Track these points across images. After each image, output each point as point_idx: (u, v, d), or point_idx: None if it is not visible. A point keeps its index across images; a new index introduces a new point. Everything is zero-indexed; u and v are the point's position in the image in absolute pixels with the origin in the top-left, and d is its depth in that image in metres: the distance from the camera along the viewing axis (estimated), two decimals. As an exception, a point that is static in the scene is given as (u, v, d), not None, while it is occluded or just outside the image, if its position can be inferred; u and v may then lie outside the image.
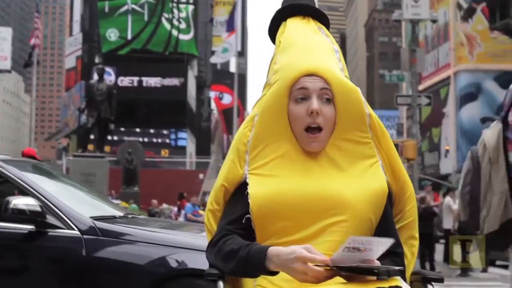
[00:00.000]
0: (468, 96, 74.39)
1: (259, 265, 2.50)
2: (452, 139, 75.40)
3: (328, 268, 2.36)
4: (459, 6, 75.79)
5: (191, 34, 67.78)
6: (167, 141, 66.76)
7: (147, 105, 62.64)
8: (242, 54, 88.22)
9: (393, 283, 2.34)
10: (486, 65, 73.92)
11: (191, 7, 68.74)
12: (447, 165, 74.73)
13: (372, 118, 2.79)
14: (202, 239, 5.70)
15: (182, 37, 66.98)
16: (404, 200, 2.83)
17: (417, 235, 2.85)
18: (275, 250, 2.48)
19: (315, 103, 2.68)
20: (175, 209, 32.97)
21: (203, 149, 74.64)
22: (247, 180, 2.72)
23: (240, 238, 2.65)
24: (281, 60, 2.85)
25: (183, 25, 67.18)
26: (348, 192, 2.64)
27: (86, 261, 5.35)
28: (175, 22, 66.48)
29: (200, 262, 5.36)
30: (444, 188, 30.83)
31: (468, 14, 75.60)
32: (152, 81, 64.00)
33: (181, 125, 65.42)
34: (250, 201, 2.66)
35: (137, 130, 63.59)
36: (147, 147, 55.83)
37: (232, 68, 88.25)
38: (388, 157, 2.80)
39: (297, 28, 2.94)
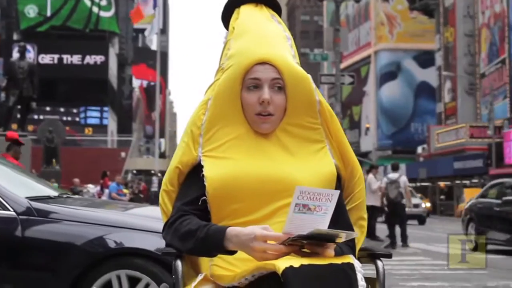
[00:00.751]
0: (388, 75, 75.54)
1: (217, 244, 2.56)
2: (373, 117, 76.52)
3: (288, 242, 2.42)
4: (379, -14, 76.71)
5: (112, 11, 66.94)
6: (88, 119, 65.96)
7: (68, 83, 61.72)
8: (164, 32, 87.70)
9: (346, 260, 2.40)
10: (406, 45, 75.12)
11: (112, -16, 67.81)
12: (367, 143, 75.96)
13: (322, 105, 2.87)
14: (137, 219, 5.74)
15: (103, 14, 66.11)
16: (353, 183, 2.93)
17: (365, 215, 2.96)
18: (234, 230, 2.55)
19: (266, 93, 2.75)
20: (98, 188, 32.68)
21: (124, 127, 74.07)
22: (202, 163, 2.78)
23: (197, 219, 2.70)
24: (235, 46, 2.90)
25: (104, 2, 66.27)
26: (299, 175, 2.72)
27: (22, 242, 5.30)
28: (96, -1, 65.53)
29: (137, 241, 5.39)
30: (366, 165, 31.29)
31: (388, -7, 76.56)
32: (73, 59, 63.02)
33: (102, 103, 64.70)
34: (206, 183, 2.72)
35: (61, 109, 62.71)
36: (68, 125, 55.09)
37: (154, 46, 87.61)
38: (337, 142, 2.90)
39: (251, 15, 3.00)
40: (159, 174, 39.08)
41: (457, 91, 57.87)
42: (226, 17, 3.08)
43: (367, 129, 77.48)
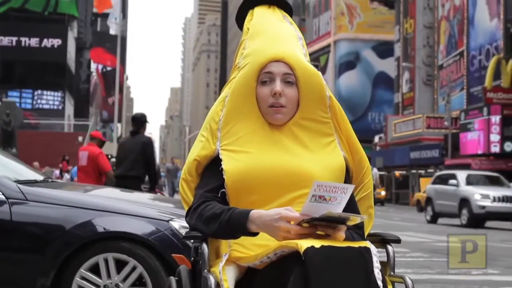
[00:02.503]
0: (347, 64, 75.95)
1: (241, 226, 2.76)
2: (330, 106, 76.67)
3: (302, 223, 2.62)
4: (340, -24, 76.92)
5: (72, -6, 66.18)
6: (45, 102, 65.28)
7: (26, 65, 61.03)
8: (123, 16, 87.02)
9: (363, 244, 2.60)
10: (365, 35, 75.58)
11: (72, -34, 67.10)
12: (324, 132, 76.29)
13: (332, 100, 3.11)
14: (124, 203, 5.84)
15: (62, -4, 65.34)
16: (362, 173, 3.15)
17: (373, 203, 3.22)
18: (257, 212, 2.75)
19: (278, 85, 2.97)
20: (57, 171, 32.51)
21: (81, 112, 73.52)
22: (220, 156, 2.98)
23: (220, 204, 2.90)
24: (251, 45, 3.13)
25: (63, -15, 65.51)
26: (313, 167, 2.93)
27: (12, 225, 5.39)
28: (56, -19, 64.77)
29: (124, 225, 5.51)
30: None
31: (349, -16, 76.83)
32: (31, 42, 62.31)
33: (60, 87, 64.07)
34: (225, 176, 2.93)
35: (17, 92, 61.98)
36: (25, 109, 54.53)
37: (112, 30, 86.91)
38: (345, 135, 3.12)
39: (264, 16, 3.24)
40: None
41: (415, 82, 58.48)
42: (241, 18, 3.31)
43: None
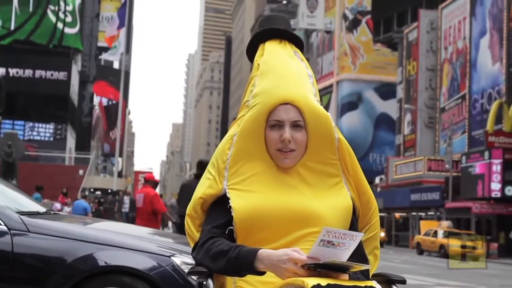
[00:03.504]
0: (349, 105, 76.18)
1: (248, 264, 2.75)
2: (332, 146, 76.79)
3: (306, 267, 2.62)
4: (344, 17, 77.38)
5: (77, 28, 66.61)
6: (47, 135, 65.36)
7: (30, 97, 61.20)
8: (127, 51, 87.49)
9: (369, 284, 2.60)
10: (368, 76, 75.91)
11: (78, 1, 67.60)
12: (325, 171, 76.20)
13: (341, 142, 3.10)
14: (126, 238, 5.82)
15: (68, 30, 65.73)
16: (369, 214, 3.16)
17: (379, 245, 3.21)
18: (266, 252, 2.75)
19: (287, 132, 2.96)
20: (58, 204, 32.39)
21: (83, 145, 73.60)
22: (228, 195, 2.97)
23: (227, 241, 2.90)
24: (261, 85, 3.10)
25: (69, 19, 65.91)
26: (319, 207, 2.94)
27: (14, 256, 5.36)
28: (61, 15, 65.11)
29: (125, 259, 5.48)
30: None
31: (353, 25, 77.34)
32: (36, 74, 62.54)
33: (63, 120, 64.20)
34: (233, 214, 2.93)
35: (19, 123, 62.08)
36: (27, 141, 54.59)
37: (116, 65, 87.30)
38: (353, 177, 3.12)
39: (275, 52, 3.20)
40: (117, 195, 38.78)
41: (417, 124, 58.56)
42: (251, 51, 3.28)
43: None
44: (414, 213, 52.38)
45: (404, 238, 52.43)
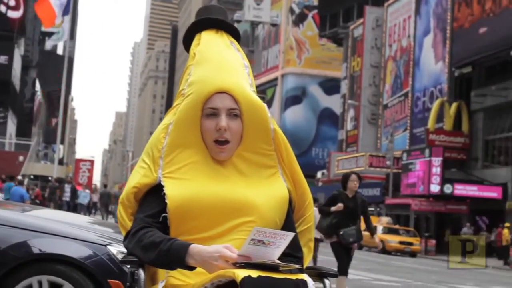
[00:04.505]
0: (293, 99, 76.47)
1: (179, 259, 2.72)
2: (275, 139, 77.07)
3: (237, 265, 2.60)
4: (291, 11, 77.65)
5: (21, 12, 65.60)
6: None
7: (-31, 81, 60.11)
8: (71, 37, 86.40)
9: (300, 277, 2.58)
10: (313, 70, 76.30)
11: (22, -16, 66.53)
12: (268, 164, 76.43)
13: (276, 133, 3.08)
14: (62, 225, 5.73)
15: (11, 14, 64.72)
16: (304, 206, 3.14)
17: (313, 237, 3.19)
18: (197, 247, 2.72)
19: (223, 121, 2.94)
20: (-5, 191, 31.87)
21: (24, 131, 72.53)
22: (162, 183, 2.94)
23: (160, 232, 2.86)
24: (196, 73, 3.08)
25: (12, 2, 64.88)
26: (254, 196, 2.92)
27: None
28: (5, -2, 64.12)
29: (59, 247, 5.40)
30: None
31: (299, 19, 77.64)
32: (-24, 57, 61.42)
33: (3, 105, 63.19)
34: (167, 201, 2.89)
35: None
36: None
37: (60, 51, 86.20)
38: (289, 168, 3.10)
39: (211, 42, 3.18)
40: (54, 182, 38.32)
41: (360, 120, 59.05)
42: (188, 42, 3.26)
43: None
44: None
45: (344, 233, 52.82)
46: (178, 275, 2.83)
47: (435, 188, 41.25)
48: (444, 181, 41.04)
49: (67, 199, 32.19)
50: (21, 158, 48.52)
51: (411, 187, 43.86)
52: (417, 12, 51.64)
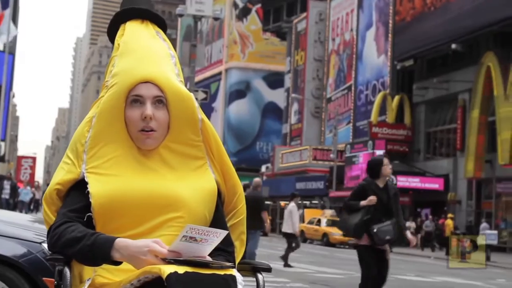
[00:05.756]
0: (237, 93, 76.50)
1: (104, 254, 2.61)
2: (219, 133, 77.07)
3: (171, 262, 2.51)
4: (235, 5, 77.67)
5: (-41, 7, 64.46)
6: None
7: None
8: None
9: (229, 272, 2.53)
10: (256, 64, 76.42)
11: (-40, -22, 65.38)
12: (213, 159, 76.28)
13: (204, 123, 2.97)
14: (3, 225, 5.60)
15: (-51, 8, 63.53)
16: (235, 199, 3.05)
17: (245, 230, 3.11)
18: (123, 241, 2.61)
19: (148, 109, 2.83)
20: None
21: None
22: (86, 179, 2.82)
23: (83, 227, 2.74)
24: (120, 64, 2.97)
25: (-50, -4, 63.69)
26: (182, 191, 2.82)
27: None
28: None
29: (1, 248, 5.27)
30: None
31: (243, 13, 77.68)
32: None
33: None
34: (91, 200, 2.77)
35: None
36: None
37: (0, 46, 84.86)
38: (218, 159, 3.01)
39: (136, 32, 3.07)
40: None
41: (304, 113, 59.32)
42: (112, 32, 3.13)
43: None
44: (299, 202, 53.00)
45: (289, 226, 53.04)
46: (104, 273, 2.73)
47: (378, 181, 41.58)
48: (387, 173, 41.36)
49: (7, 196, 31.52)
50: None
51: (354, 179, 44.15)
52: (360, 6, 52.05)
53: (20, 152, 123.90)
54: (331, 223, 39.09)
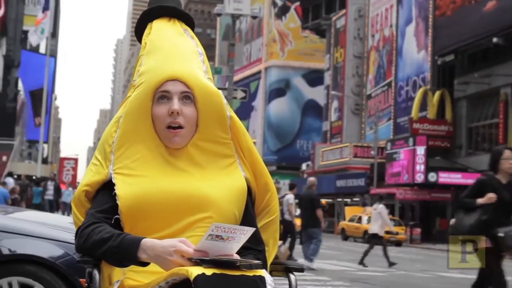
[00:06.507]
0: (277, 91, 76.44)
1: (130, 255, 2.59)
2: (260, 132, 77.18)
3: (197, 262, 2.48)
4: (274, 3, 77.65)
5: (2, 11, 65.23)
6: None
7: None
8: (54, 35, 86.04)
9: (258, 273, 2.48)
10: (296, 62, 76.29)
11: (1, -17, 66.11)
12: (253, 158, 76.34)
13: (233, 120, 2.94)
14: (34, 225, 5.65)
15: (-9, 13, 64.31)
16: (267, 197, 3.00)
17: (278, 227, 3.05)
18: (150, 242, 2.58)
19: (175, 104, 2.80)
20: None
21: (7, 131, 72.20)
22: (113, 180, 2.81)
23: (110, 227, 2.72)
24: (147, 63, 2.96)
25: (-8, 1, 64.46)
26: (211, 190, 2.79)
27: None
28: (-16, -3, 63.71)
29: (30, 247, 5.31)
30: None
31: (282, 11, 77.60)
32: (-43, 57, 61.05)
33: (-15, 105, 62.91)
34: (118, 202, 2.76)
35: None
36: None
37: (42, 49, 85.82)
38: (249, 157, 2.97)
39: (163, 30, 3.05)
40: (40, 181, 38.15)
41: (344, 110, 59.08)
42: (140, 31, 3.12)
43: (254, 143, 78.10)
44: (339, 199, 52.89)
45: (330, 224, 52.86)
46: (134, 275, 2.71)
47: (419, 177, 41.30)
48: (428, 169, 41.07)
49: (50, 197, 31.75)
50: (4, 158, 48.19)
51: (395, 176, 43.88)
52: (399, 1, 51.65)
53: (62, 154, 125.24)
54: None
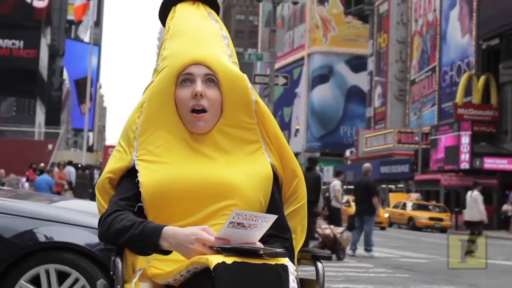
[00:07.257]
0: (320, 78, 76.20)
1: (152, 243, 2.56)
2: (303, 118, 77.05)
3: (214, 248, 2.44)
4: (315, -11, 77.26)
5: (46, 1, 65.84)
6: (17, 109, 64.83)
7: (-3, 71, 60.47)
8: (97, 24, 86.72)
9: (280, 261, 2.42)
10: (339, 49, 75.93)
11: (46, -27, 66.71)
12: (296, 144, 76.42)
13: (259, 105, 2.86)
14: (71, 213, 5.67)
15: (36, 3, 64.96)
16: (294, 183, 2.92)
17: (306, 214, 2.97)
18: (171, 230, 2.54)
19: (199, 86, 2.74)
20: (24, 179, 32.10)
21: (52, 119, 72.98)
22: (136, 167, 2.76)
23: (133, 215, 2.68)
24: (170, 47, 2.90)
25: (37, -9, 65.08)
26: (236, 177, 2.72)
27: (-50, 233, 5.17)
28: (29, -12, 64.36)
29: (67, 235, 5.32)
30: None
31: (324, -3, 77.16)
32: (3, 48, 61.75)
33: (31, 95, 63.60)
34: (141, 189, 2.71)
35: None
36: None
37: (86, 38, 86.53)
38: (274, 142, 2.90)
39: (186, 14, 2.98)
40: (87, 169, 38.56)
41: (387, 96, 58.68)
42: (163, 16, 3.06)
43: (297, 130, 77.99)
44: (383, 186, 52.57)
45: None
46: (157, 264, 2.68)
47: (464, 163, 40.88)
48: (473, 155, 40.65)
49: (97, 184, 32.01)
50: (50, 146, 48.70)
51: (440, 162, 43.50)
52: (442, -15, 51.08)
53: (108, 142, 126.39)
54: (417, 207, 38.64)
